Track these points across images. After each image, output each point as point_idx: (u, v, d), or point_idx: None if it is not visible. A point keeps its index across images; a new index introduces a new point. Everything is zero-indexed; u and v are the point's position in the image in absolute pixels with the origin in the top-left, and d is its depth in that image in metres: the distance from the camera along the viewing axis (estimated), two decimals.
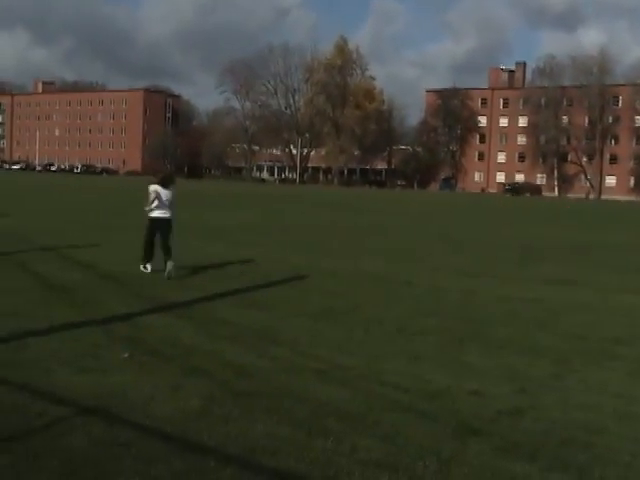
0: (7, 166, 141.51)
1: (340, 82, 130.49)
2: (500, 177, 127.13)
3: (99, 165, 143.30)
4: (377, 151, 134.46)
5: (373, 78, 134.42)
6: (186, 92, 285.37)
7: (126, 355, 6.92)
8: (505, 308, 10.63)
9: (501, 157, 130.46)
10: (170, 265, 11.94)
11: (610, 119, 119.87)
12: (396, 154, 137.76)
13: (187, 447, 4.81)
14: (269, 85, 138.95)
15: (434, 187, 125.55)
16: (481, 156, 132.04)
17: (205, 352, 7.21)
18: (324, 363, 6.99)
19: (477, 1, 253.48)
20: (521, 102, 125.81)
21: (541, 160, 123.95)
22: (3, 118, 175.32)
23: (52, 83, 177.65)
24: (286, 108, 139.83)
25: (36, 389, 5.78)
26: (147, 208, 12.50)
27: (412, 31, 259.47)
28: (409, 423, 5.41)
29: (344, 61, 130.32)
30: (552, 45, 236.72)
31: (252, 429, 5.14)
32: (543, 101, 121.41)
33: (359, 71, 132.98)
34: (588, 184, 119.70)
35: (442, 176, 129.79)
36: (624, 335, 8.96)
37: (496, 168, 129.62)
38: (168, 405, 5.56)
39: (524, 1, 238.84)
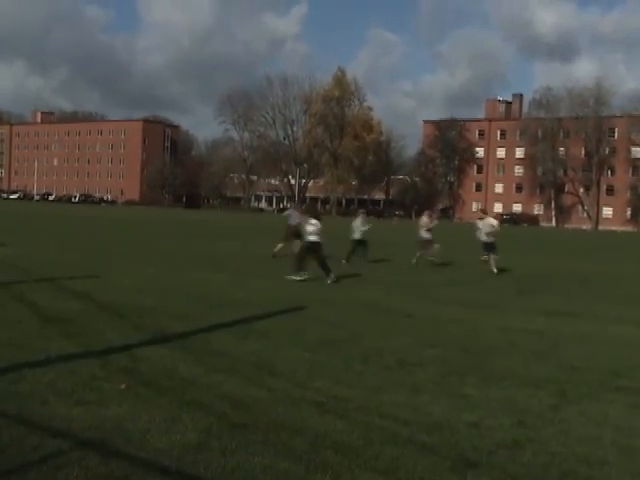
0: (5, 195, 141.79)
1: (338, 113, 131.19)
2: (498, 207, 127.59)
3: (97, 195, 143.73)
4: (375, 181, 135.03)
5: (371, 109, 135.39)
6: (185, 122, 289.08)
7: (123, 387, 6.88)
8: (505, 339, 10.60)
9: (498, 188, 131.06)
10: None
11: (607, 150, 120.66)
12: (394, 184, 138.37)
13: None
14: (267, 116, 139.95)
15: None
16: (479, 187, 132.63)
17: (202, 384, 7.17)
18: (322, 395, 6.94)
19: (470, 33, 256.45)
20: (518, 133, 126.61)
21: (538, 191, 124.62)
22: (1, 148, 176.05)
23: (51, 113, 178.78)
24: (284, 139, 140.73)
25: (32, 421, 5.73)
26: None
27: (407, 62, 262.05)
28: (408, 456, 5.37)
29: (342, 92, 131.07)
30: (547, 76, 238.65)
31: (250, 462, 5.09)
32: (540, 132, 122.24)
33: (357, 102, 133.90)
34: (585, 215, 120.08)
35: (440, 207, 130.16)
36: (623, 367, 8.93)
37: (494, 199, 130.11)
38: (165, 438, 5.51)
39: (517, 33, 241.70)
